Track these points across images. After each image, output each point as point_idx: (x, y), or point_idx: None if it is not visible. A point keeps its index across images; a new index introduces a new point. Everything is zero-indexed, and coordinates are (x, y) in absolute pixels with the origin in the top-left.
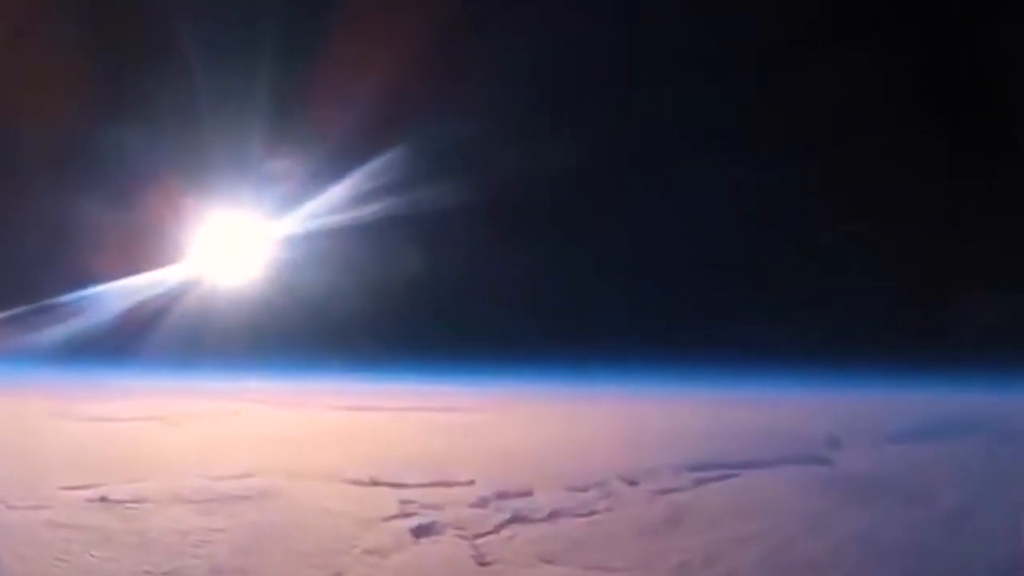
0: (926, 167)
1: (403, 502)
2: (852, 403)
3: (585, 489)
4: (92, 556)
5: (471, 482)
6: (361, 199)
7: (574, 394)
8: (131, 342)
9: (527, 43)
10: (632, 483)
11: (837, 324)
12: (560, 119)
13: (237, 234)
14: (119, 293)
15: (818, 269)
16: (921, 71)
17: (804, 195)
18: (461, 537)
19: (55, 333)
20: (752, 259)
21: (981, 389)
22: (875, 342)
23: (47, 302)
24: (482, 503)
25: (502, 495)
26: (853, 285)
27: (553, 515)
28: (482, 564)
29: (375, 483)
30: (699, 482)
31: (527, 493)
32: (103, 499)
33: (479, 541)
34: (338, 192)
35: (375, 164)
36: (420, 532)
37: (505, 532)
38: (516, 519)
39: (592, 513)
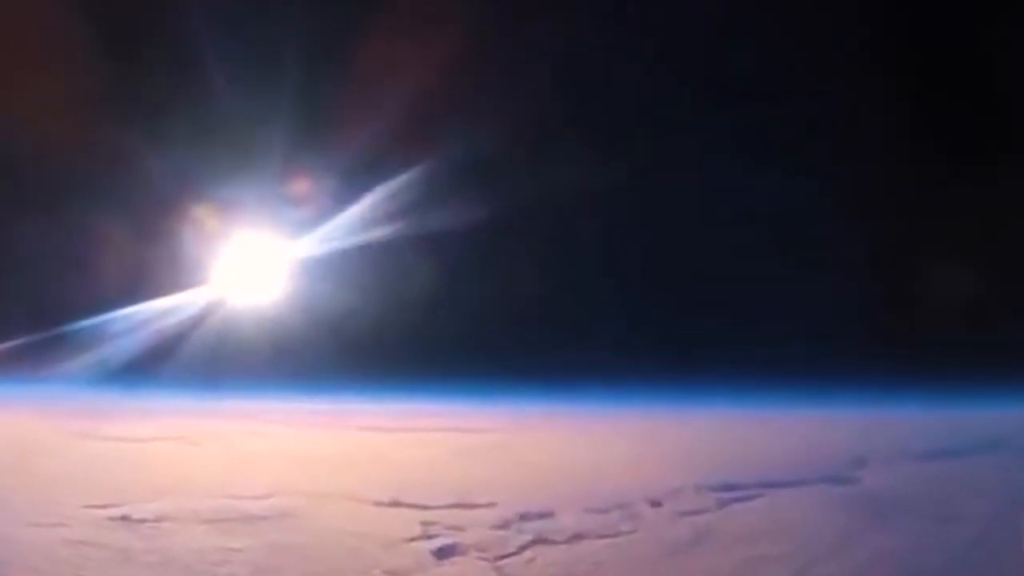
0: (958, 187)
1: (425, 523)
2: (876, 422)
3: (608, 510)
4: (113, 574)
5: (493, 503)
6: (383, 218)
7: (596, 415)
8: (153, 363)
9: (549, 59)
10: (656, 504)
11: (861, 342)
12: (582, 136)
13: (258, 255)
14: (141, 315)
15: (842, 288)
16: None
17: (826, 214)
18: (483, 559)
19: (77, 355)
20: (775, 277)
21: (1006, 406)
22: (899, 360)
23: (69, 324)
24: (504, 524)
25: (524, 516)
26: (877, 303)
27: (576, 537)
28: None
29: (396, 504)
30: (723, 503)
31: (549, 514)
32: (124, 518)
33: (501, 563)
34: (360, 211)
35: (396, 183)
36: (442, 554)
37: (527, 554)
38: (538, 541)
39: (615, 535)
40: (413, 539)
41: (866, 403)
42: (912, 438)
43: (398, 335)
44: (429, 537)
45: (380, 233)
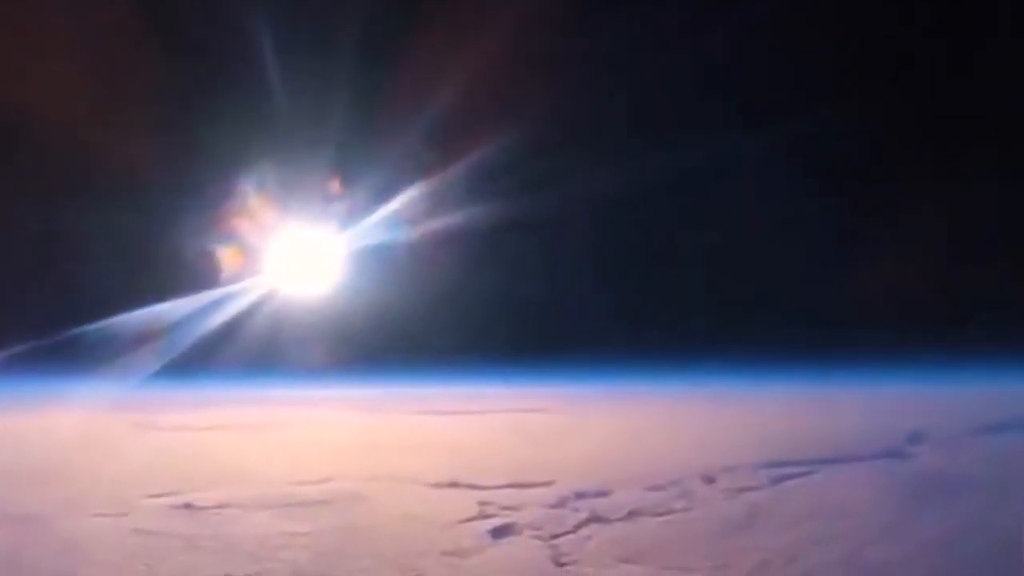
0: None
1: (481, 503)
2: (933, 397)
3: (663, 488)
4: (177, 561)
5: (549, 483)
6: (433, 210)
7: (651, 394)
8: (211, 353)
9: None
10: (710, 481)
11: (918, 319)
12: (620, 137)
13: (313, 246)
14: (199, 306)
15: (899, 268)
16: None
17: (879, 198)
18: (539, 538)
19: (136, 347)
20: (828, 258)
21: None
22: (957, 335)
23: (126, 317)
24: (560, 503)
25: (580, 495)
26: (933, 281)
27: (631, 514)
28: (559, 564)
29: (454, 485)
30: (778, 479)
31: (605, 493)
32: (187, 506)
33: (557, 541)
34: (408, 204)
35: (443, 177)
36: (498, 533)
37: (583, 532)
38: (594, 519)
39: (670, 512)
40: (470, 519)
41: (922, 378)
42: (969, 413)
43: (452, 321)
44: (486, 517)
45: (431, 226)
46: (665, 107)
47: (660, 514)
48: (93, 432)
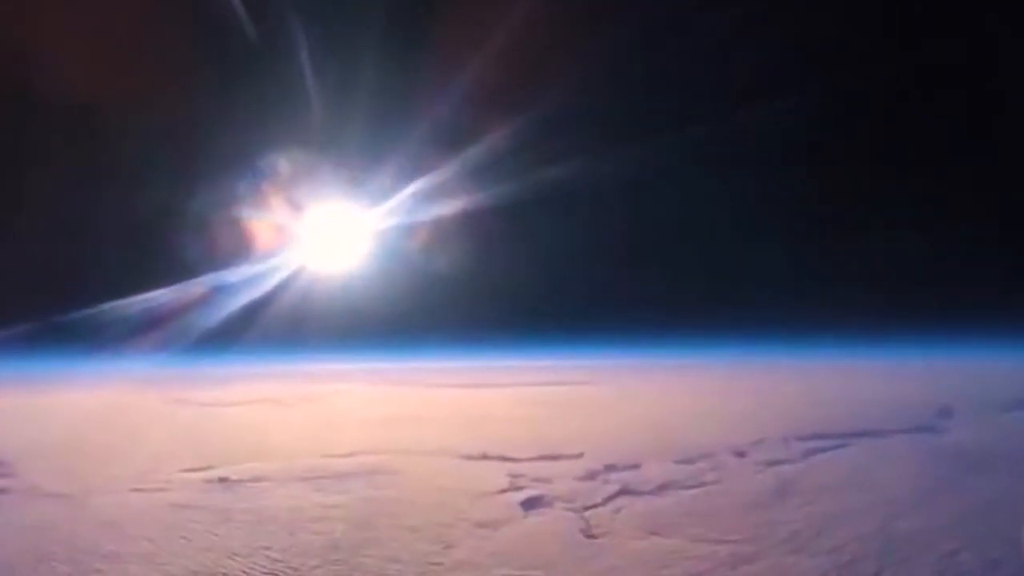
0: None
1: (512, 476)
2: (963, 371)
3: (693, 461)
4: (214, 534)
5: (580, 455)
6: (461, 189)
7: (682, 366)
8: (243, 329)
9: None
10: (740, 455)
11: (949, 294)
12: (655, 119)
13: (344, 223)
14: (230, 283)
15: (930, 243)
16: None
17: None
18: (569, 510)
19: (167, 324)
20: (865, 232)
21: None
22: (988, 310)
23: (155, 294)
24: (590, 476)
25: (610, 468)
26: (964, 257)
27: (661, 487)
28: (590, 536)
29: (485, 457)
30: (808, 453)
31: (635, 465)
32: (222, 480)
33: (587, 513)
34: (437, 184)
35: (471, 155)
36: (529, 505)
37: (613, 504)
38: (624, 491)
39: (700, 485)
40: (501, 491)
41: (952, 354)
42: (998, 388)
43: (481, 294)
44: (517, 489)
45: (460, 203)
46: (689, 92)
47: (690, 487)
48: (126, 410)
